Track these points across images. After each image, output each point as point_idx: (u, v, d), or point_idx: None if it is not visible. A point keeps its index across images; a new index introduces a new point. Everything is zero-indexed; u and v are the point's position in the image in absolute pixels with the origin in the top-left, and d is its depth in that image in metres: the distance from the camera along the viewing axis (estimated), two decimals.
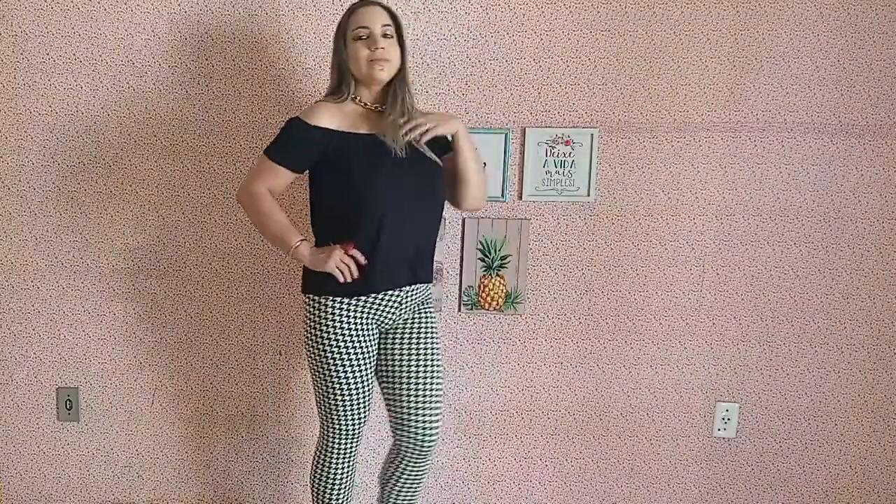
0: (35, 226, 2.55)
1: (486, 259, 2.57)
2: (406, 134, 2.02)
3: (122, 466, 2.69)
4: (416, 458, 2.18)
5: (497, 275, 2.58)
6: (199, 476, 2.70)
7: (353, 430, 2.17)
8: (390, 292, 2.09)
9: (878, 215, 2.55)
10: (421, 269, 2.14)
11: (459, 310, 2.60)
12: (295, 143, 2.05)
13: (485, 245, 2.56)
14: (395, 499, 2.27)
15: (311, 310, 2.09)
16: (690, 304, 2.60)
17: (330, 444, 2.19)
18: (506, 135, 2.50)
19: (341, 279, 2.01)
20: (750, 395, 2.64)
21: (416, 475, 2.23)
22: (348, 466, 2.23)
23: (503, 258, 2.57)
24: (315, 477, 2.24)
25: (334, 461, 2.21)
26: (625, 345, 2.62)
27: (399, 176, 2.03)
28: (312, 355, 2.12)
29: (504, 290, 2.59)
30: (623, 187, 2.54)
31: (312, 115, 2.04)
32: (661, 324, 2.61)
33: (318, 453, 2.23)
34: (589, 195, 2.54)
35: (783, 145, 2.52)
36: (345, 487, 2.26)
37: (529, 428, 2.67)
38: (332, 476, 2.22)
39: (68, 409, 2.65)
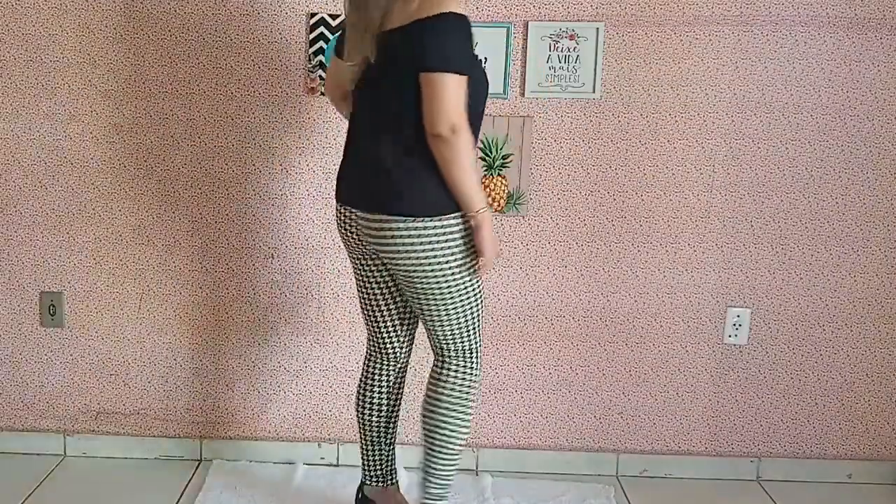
0: (17, 123, 2.48)
1: (486, 158, 2.48)
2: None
3: (108, 374, 2.61)
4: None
5: (498, 175, 2.50)
6: (188, 385, 2.62)
7: (373, 344, 2.13)
8: (347, 210, 1.97)
9: (895, 112, 2.46)
10: (376, 197, 1.87)
11: None
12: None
13: (486, 144, 2.47)
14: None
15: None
16: (700, 204, 2.51)
17: (365, 358, 2.18)
18: (507, 29, 2.43)
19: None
20: (762, 299, 2.56)
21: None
22: (376, 393, 2.13)
23: (505, 157, 2.49)
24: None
25: (361, 379, 2.17)
26: (631, 247, 2.54)
27: (368, 80, 1.93)
28: None
29: (506, 191, 2.50)
30: (630, 83, 2.46)
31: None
32: (669, 226, 2.52)
33: None
34: (594, 92, 2.46)
35: (797, 40, 2.44)
36: (371, 422, 2.14)
37: (532, 334, 2.58)
38: (358, 396, 2.16)
39: (52, 315, 2.56)
